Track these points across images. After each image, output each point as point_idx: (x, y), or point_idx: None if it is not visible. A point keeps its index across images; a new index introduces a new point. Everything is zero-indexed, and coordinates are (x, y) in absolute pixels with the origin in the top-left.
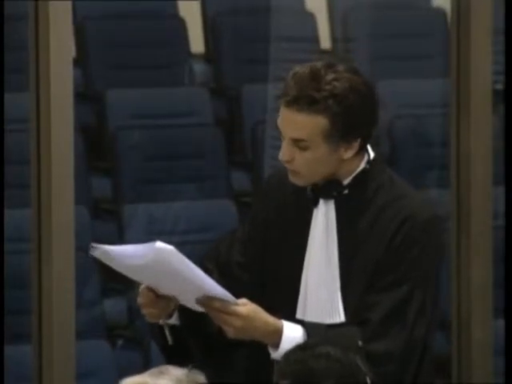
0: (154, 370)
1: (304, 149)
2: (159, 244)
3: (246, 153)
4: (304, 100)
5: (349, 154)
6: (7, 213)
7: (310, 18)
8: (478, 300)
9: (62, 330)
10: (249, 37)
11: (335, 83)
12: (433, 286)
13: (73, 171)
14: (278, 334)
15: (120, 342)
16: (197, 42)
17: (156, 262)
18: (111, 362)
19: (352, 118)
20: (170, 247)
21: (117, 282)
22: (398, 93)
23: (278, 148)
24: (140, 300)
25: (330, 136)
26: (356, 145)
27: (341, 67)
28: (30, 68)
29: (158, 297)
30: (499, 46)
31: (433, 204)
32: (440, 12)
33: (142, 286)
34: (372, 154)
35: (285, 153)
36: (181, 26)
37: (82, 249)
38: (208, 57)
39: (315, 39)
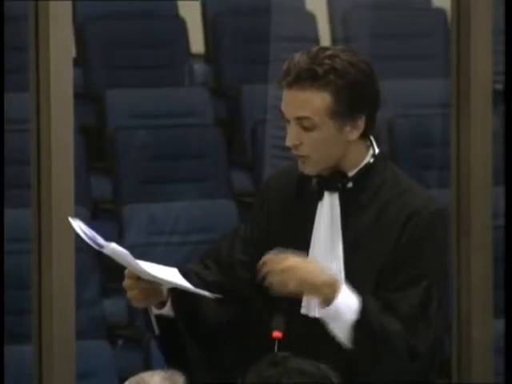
0: (131, 380)
1: (310, 129)
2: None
3: (246, 153)
4: (306, 76)
5: (355, 134)
6: (7, 213)
7: (310, 18)
8: (477, 300)
9: (62, 330)
10: (249, 37)
11: (335, 58)
12: (444, 281)
13: (73, 171)
14: (333, 287)
15: (120, 341)
16: (197, 42)
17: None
18: (111, 362)
19: (355, 93)
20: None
21: (117, 282)
22: (398, 93)
23: (279, 148)
24: (124, 283)
25: (334, 113)
26: (361, 124)
27: (337, 47)
28: (29, 68)
29: (139, 278)
30: (499, 46)
31: (436, 199)
32: (440, 12)
33: (127, 270)
34: (377, 150)
35: (291, 137)
36: (181, 26)
37: (82, 249)
38: (208, 57)
39: (315, 39)
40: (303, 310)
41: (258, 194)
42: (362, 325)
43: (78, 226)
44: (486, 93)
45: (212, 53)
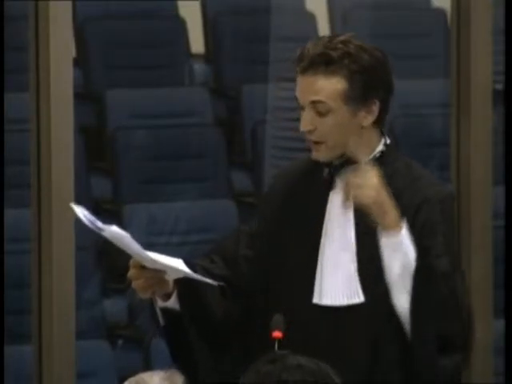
0: (131, 380)
1: (325, 114)
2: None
3: (246, 153)
4: (320, 60)
5: (369, 119)
6: (7, 213)
7: (310, 18)
8: (477, 300)
9: (62, 330)
10: (249, 37)
11: (348, 44)
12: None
13: (73, 171)
14: (399, 219)
15: (120, 341)
16: (197, 42)
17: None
18: (111, 362)
19: (368, 78)
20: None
21: (117, 282)
22: (398, 93)
23: (279, 148)
24: (129, 273)
25: (348, 97)
26: (375, 109)
27: (348, 34)
28: (29, 68)
29: (144, 268)
30: (499, 46)
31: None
32: (440, 12)
33: (132, 260)
34: (388, 140)
35: (306, 122)
36: (181, 26)
37: (83, 248)
38: (208, 57)
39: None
40: (315, 300)
41: (264, 195)
42: (424, 269)
43: (81, 211)
44: (486, 93)
45: (212, 53)
